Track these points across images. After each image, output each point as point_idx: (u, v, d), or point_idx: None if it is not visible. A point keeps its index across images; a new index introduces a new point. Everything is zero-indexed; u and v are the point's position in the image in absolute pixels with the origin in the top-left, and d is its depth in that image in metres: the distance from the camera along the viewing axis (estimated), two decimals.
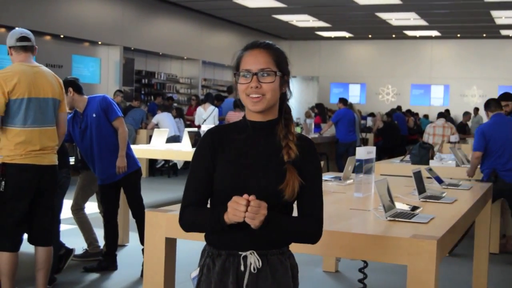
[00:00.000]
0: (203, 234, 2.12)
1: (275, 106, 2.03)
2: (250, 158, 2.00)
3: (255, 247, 1.99)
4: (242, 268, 1.99)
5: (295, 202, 2.05)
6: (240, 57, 2.04)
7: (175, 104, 14.23)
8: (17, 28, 4.04)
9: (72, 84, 4.83)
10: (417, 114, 18.40)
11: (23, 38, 3.94)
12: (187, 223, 2.03)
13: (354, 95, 20.99)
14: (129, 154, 5.03)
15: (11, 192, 3.82)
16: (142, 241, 4.96)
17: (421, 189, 3.85)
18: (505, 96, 6.93)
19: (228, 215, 1.88)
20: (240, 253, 1.99)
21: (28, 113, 3.84)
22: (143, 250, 4.85)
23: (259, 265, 1.98)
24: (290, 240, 2.06)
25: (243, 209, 1.84)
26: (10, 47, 3.95)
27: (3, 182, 3.79)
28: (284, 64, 2.04)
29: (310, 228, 2.01)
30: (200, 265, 2.08)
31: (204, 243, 2.11)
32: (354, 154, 3.90)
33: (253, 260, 1.98)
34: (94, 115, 4.87)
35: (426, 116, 18.56)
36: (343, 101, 11.77)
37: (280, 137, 2.02)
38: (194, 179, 2.04)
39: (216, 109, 11.28)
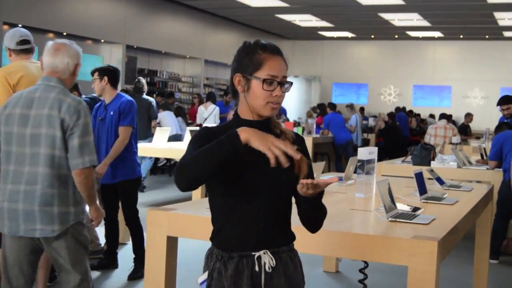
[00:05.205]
0: (207, 234, 2.07)
1: None
2: (252, 152, 1.94)
3: (267, 246, 1.98)
4: (256, 268, 1.96)
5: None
6: (262, 59, 1.97)
7: (176, 103, 14.20)
8: (15, 29, 4.03)
9: (109, 74, 4.88)
10: (419, 115, 18.30)
11: (23, 42, 3.96)
12: (187, 166, 1.82)
13: (357, 95, 20.98)
14: (132, 160, 4.98)
15: None
16: (134, 250, 4.97)
17: (422, 190, 3.85)
18: (506, 100, 6.93)
19: (254, 142, 1.80)
20: (253, 253, 1.97)
21: None
22: (134, 258, 4.90)
23: (273, 264, 1.97)
24: (316, 215, 2.05)
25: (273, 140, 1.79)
26: (9, 49, 3.97)
27: None
28: None
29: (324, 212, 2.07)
30: (208, 269, 2.02)
31: (207, 243, 2.08)
32: (352, 152, 3.91)
33: (267, 259, 1.96)
34: (112, 113, 4.89)
35: (432, 116, 18.31)
36: (330, 105, 12.70)
37: (277, 130, 2.03)
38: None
39: (217, 108, 11.29)
